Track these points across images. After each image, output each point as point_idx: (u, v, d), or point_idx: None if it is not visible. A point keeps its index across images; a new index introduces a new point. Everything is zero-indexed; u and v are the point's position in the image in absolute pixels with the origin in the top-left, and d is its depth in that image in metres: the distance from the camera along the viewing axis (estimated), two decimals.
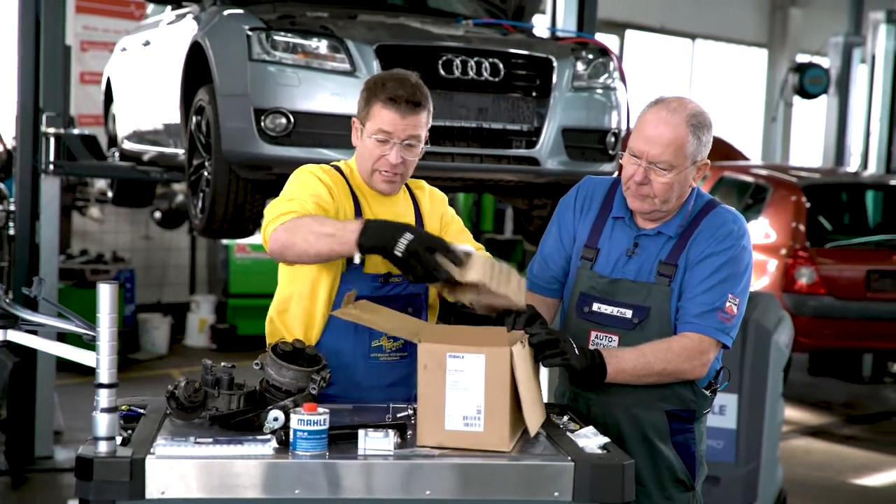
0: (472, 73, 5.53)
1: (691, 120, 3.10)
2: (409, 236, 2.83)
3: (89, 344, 2.68)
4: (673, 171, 3.09)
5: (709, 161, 3.19)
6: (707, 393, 3.27)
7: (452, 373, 2.68)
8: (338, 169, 3.30)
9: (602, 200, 3.30)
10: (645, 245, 3.22)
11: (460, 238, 3.34)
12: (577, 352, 2.97)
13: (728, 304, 3.11)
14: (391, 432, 2.65)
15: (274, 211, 3.06)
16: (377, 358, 3.23)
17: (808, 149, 19.35)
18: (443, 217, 3.40)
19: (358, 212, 3.23)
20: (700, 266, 3.14)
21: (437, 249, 2.82)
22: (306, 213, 3.03)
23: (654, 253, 3.20)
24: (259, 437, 2.65)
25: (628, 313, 3.18)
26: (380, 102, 3.13)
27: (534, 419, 2.81)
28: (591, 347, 3.14)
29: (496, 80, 5.57)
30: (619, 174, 3.25)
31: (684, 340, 3.11)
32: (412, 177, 3.35)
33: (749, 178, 9.89)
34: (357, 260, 2.94)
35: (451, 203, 11.06)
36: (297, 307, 3.24)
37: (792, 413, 8.78)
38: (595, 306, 3.23)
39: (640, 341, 3.13)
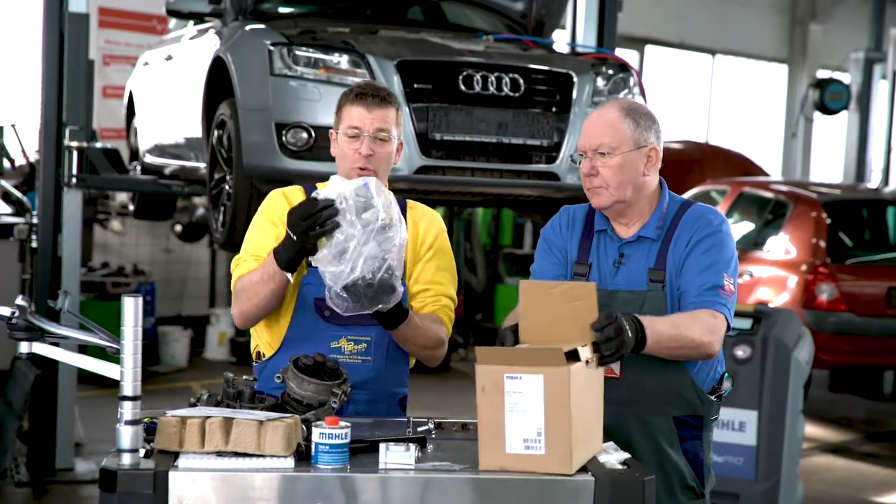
0: (492, 89, 5.55)
1: (623, 106, 3.27)
2: (298, 227, 3.01)
3: (110, 356, 2.70)
4: (615, 154, 3.21)
5: (657, 148, 3.27)
6: (712, 398, 3.29)
7: (511, 395, 2.62)
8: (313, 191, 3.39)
9: (584, 220, 3.39)
10: (630, 254, 3.28)
11: (432, 276, 3.37)
12: (629, 336, 2.86)
13: (725, 283, 3.17)
14: (412, 446, 2.66)
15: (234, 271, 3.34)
16: (335, 359, 3.22)
17: (828, 165, 19.30)
18: (423, 244, 3.40)
19: None
20: (690, 257, 3.21)
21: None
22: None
23: (641, 260, 3.26)
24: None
25: None
26: (349, 102, 3.33)
27: (582, 449, 2.70)
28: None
29: (516, 95, 5.58)
30: None
31: (702, 314, 3.13)
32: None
33: (769, 194, 9.87)
34: (291, 279, 3.13)
35: (472, 217, 11.04)
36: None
37: (812, 430, 8.75)
38: None
39: None
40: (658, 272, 3.22)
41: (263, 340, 3.38)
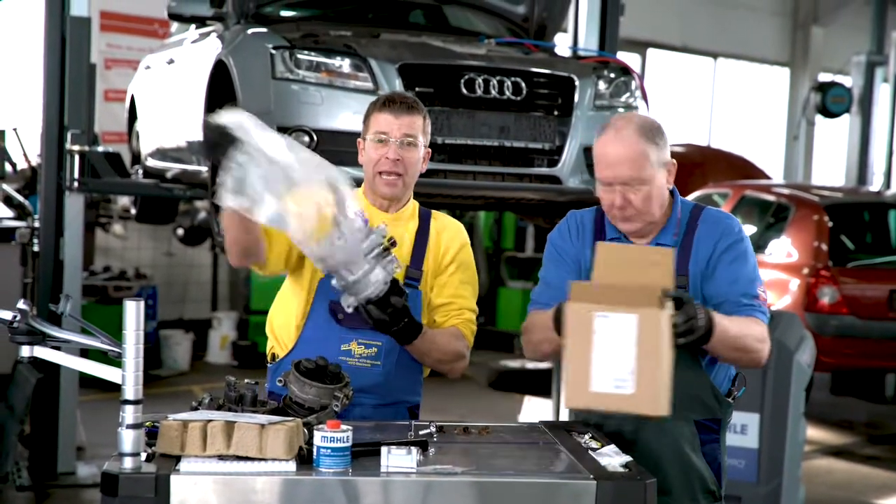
0: (494, 92, 5.55)
1: (642, 130, 3.18)
2: (215, 156, 2.94)
3: (111, 360, 2.70)
4: (647, 184, 3.17)
5: (674, 161, 3.26)
6: (729, 400, 3.30)
7: (601, 333, 2.58)
8: None
9: (593, 226, 3.35)
10: None
11: (455, 290, 3.42)
12: (701, 324, 2.83)
13: (759, 292, 3.18)
14: (414, 449, 2.66)
15: None
16: (345, 361, 3.28)
17: (830, 168, 19.30)
18: (445, 255, 3.44)
19: None
20: (719, 266, 3.20)
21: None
22: None
23: None
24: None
25: None
26: (376, 110, 3.40)
27: (668, 395, 2.65)
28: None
29: (518, 98, 5.59)
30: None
31: (753, 322, 3.12)
32: (437, 207, 3.44)
33: (771, 197, 9.86)
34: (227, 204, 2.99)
35: (474, 221, 11.05)
36: (280, 314, 3.47)
37: (814, 433, 8.74)
38: None
39: None
40: (680, 277, 3.19)
41: (280, 342, 3.44)
